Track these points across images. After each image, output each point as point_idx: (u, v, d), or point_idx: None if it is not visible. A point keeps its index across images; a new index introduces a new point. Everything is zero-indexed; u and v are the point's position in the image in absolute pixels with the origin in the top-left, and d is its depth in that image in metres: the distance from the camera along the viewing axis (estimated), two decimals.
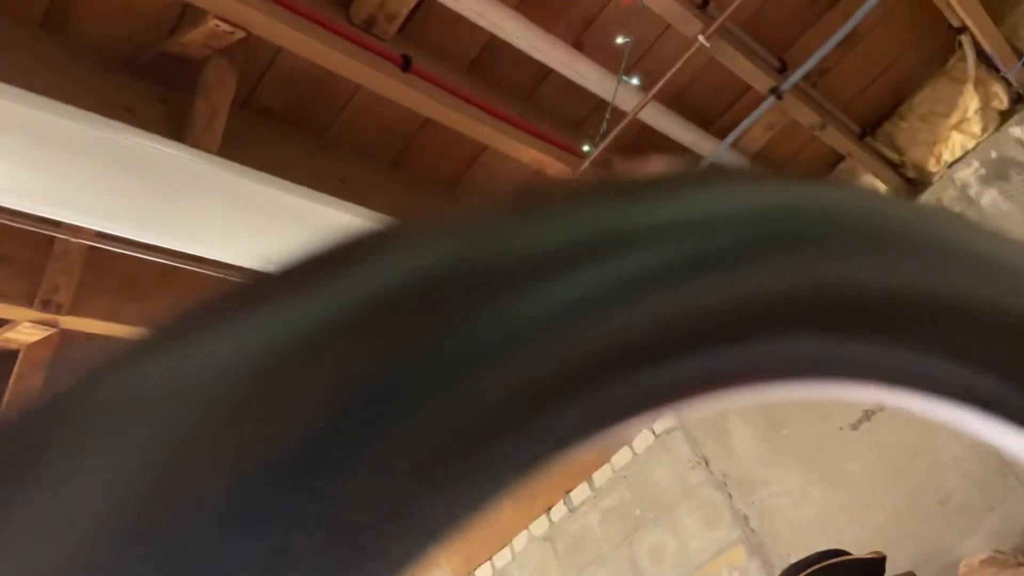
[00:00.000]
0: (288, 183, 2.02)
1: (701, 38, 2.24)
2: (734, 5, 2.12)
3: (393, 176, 2.48)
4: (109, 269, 2.17)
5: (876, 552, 2.28)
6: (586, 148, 2.44)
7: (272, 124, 2.24)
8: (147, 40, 1.97)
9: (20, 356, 2.27)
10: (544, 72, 2.43)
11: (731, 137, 2.68)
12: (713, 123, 2.86)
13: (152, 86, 1.98)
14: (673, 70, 2.20)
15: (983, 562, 1.91)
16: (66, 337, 2.31)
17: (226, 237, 1.94)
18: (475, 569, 3.98)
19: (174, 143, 1.88)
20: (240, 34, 1.89)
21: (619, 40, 2.22)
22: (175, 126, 1.98)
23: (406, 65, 2.07)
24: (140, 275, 2.21)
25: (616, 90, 2.29)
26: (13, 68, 1.70)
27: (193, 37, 1.91)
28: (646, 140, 2.76)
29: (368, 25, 2.06)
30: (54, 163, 1.70)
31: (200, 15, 1.85)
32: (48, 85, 1.72)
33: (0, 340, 2.18)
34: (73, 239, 2.01)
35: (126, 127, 1.79)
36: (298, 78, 2.18)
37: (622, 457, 3.63)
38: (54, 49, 1.87)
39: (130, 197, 1.82)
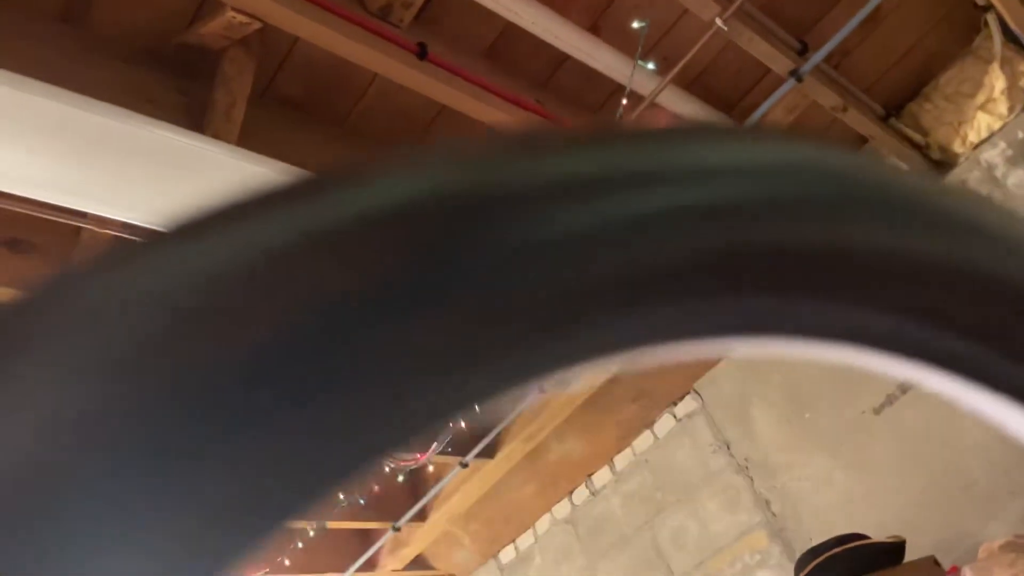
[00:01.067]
0: (307, 172, 2.04)
1: (719, 21, 2.22)
2: None
3: None
4: None
5: (896, 536, 2.27)
6: None
7: (291, 113, 2.26)
8: (166, 32, 1.99)
9: None
10: (561, 58, 2.43)
11: (751, 120, 2.66)
12: (733, 106, 2.84)
13: (171, 77, 2.01)
14: (690, 55, 2.19)
15: (1002, 547, 1.90)
16: None
17: None
18: (499, 551, 4.01)
19: (194, 134, 1.91)
20: (257, 24, 1.91)
21: (635, 24, 2.21)
22: (195, 116, 2.01)
23: (422, 53, 2.08)
24: None
25: (632, 75, 2.28)
26: (34, 61, 1.73)
27: (211, 28, 1.93)
28: None
29: (384, 13, 2.07)
30: (76, 155, 1.73)
31: (217, 6, 1.87)
32: (69, 78, 1.75)
33: None
34: (99, 229, 2.05)
35: (146, 118, 1.82)
36: (316, 67, 2.19)
37: (644, 441, 3.64)
38: (74, 42, 1.90)
39: (151, 188, 1.86)
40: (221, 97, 2.02)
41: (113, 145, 1.78)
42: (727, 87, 2.78)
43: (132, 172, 1.84)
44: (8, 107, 1.62)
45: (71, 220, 1.88)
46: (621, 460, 3.68)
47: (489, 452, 3.30)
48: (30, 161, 1.69)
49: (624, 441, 3.63)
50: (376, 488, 3.10)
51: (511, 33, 2.29)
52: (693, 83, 2.64)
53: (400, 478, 3.06)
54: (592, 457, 3.68)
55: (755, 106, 2.62)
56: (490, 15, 2.13)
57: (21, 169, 1.70)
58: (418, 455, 2.99)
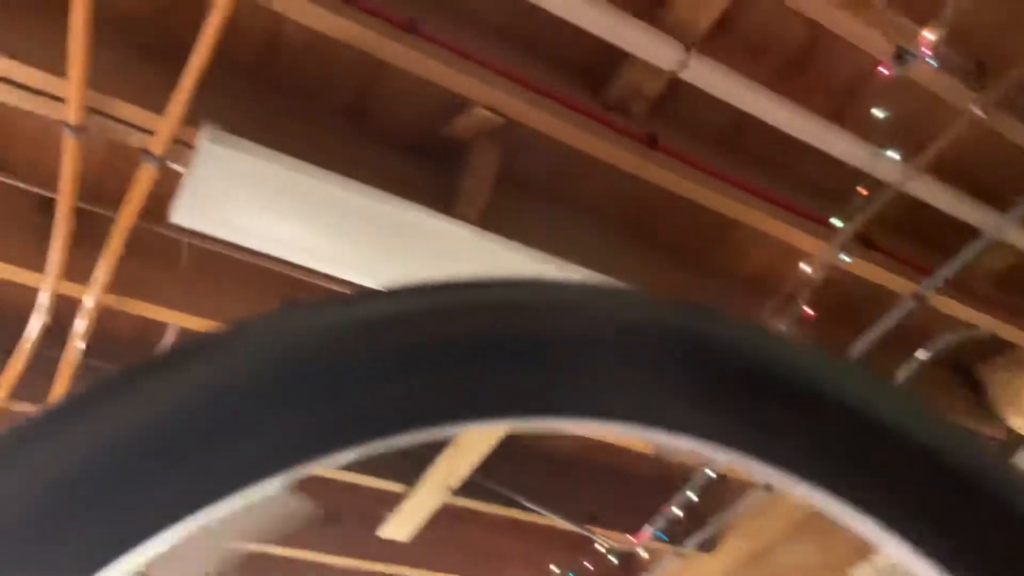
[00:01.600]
0: (541, 252, 2.19)
1: (976, 108, 2.09)
2: (1013, 73, 1.95)
3: (636, 246, 2.56)
4: None
5: None
6: (842, 224, 2.35)
7: (530, 199, 2.43)
8: (426, 125, 2.25)
9: None
10: (799, 145, 2.39)
11: (1019, 210, 2.43)
12: (997, 195, 2.60)
13: (426, 164, 2.26)
14: (939, 144, 2.07)
15: None
16: None
17: None
18: None
19: (443, 216, 2.13)
20: (502, 120, 2.10)
21: (878, 113, 2.14)
22: (444, 200, 2.23)
23: (652, 142, 2.16)
24: None
25: (874, 163, 2.19)
26: (318, 148, 2.04)
27: (463, 123, 2.15)
28: (915, 213, 2.59)
29: (619, 105, 2.18)
30: (342, 230, 2.01)
31: (470, 105, 2.09)
32: (344, 163, 2.04)
33: None
34: None
35: (403, 201, 2.06)
36: (553, 156, 2.35)
37: (886, 556, 3.31)
38: (352, 132, 2.21)
39: (403, 262, 2.09)
40: (468, 183, 2.23)
41: (373, 223, 2.04)
42: (989, 175, 2.56)
43: (387, 248, 2.09)
44: (292, 188, 1.93)
45: (332, 285, 2.15)
46: (858, 575, 3.37)
47: (708, 545, 3.18)
48: (304, 234, 1.99)
49: (862, 553, 3.33)
50: (590, 567, 3.10)
51: (746, 121, 2.31)
52: (947, 171, 2.46)
53: (614, 559, 3.05)
54: (824, 566, 3.41)
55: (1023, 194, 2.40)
56: (723, 104, 2.17)
57: (297, 240, 2.00)
58: (633, 537, 2.96)
